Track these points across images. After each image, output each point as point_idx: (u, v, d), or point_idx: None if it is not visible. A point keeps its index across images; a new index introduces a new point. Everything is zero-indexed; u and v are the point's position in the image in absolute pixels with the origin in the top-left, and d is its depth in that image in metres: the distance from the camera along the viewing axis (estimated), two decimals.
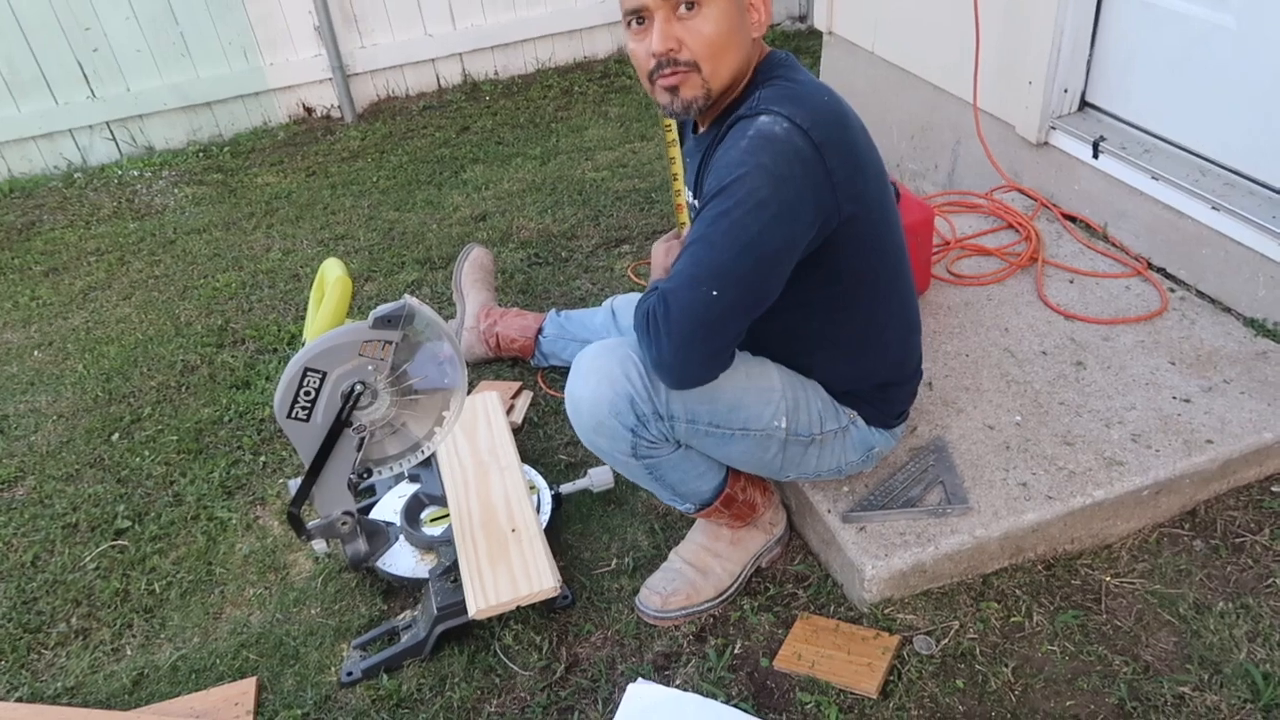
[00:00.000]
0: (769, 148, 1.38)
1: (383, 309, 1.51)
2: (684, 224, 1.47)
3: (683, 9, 1.41)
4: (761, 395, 1.60)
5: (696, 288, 1.38)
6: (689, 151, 1.70)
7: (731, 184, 1.37)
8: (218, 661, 1.81)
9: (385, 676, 1.72)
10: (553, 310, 2.50)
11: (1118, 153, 2.43)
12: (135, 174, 4.13)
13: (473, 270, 2.60)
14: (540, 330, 2.45)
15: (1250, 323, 2.15)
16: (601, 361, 1.54)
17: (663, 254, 1.71)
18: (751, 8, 1.47)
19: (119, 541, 2.12)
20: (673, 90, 1.46)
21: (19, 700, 1.77)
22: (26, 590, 2.02)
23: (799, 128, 1.38)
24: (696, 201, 1.62)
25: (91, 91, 4.12)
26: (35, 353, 2.91)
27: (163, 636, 1.89)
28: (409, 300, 1.53)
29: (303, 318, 2.86)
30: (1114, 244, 2.49)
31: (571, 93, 4.52)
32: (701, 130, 1.61)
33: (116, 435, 2.47)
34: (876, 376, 1.72)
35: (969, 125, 2.84)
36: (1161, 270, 2.36)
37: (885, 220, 1.57)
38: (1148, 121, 2.46)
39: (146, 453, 2.39)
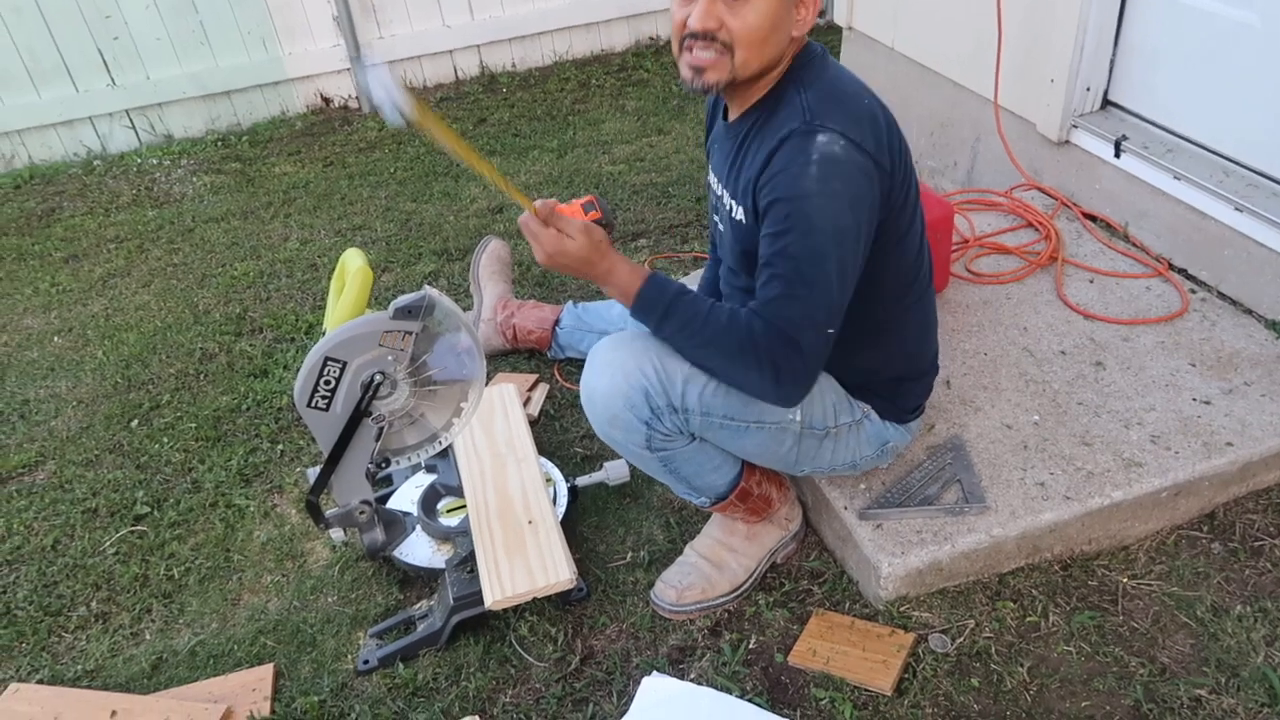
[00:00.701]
0: (838, 172, 1.41)
1: (403, 299, 1.51)
2: (531, 202, 1.49)
3: None
4: None
5: (822, 331, 1.46)
6: (718, 138, 1.69)
7: (813, 215, 1.41)
8: (235, 647, 1.83)
9: (401, 665, 1.73)
10: (570, 302, 2.50)
11: (1140, 152, 2.41)
12: (154, 162, 4.15)
13: (490, 262, 2.61)
14: (557, 322, 2.46)
15: (1272, 325, 2.13)
16: (616, 354, 1.54)
17: (554, 240, 1.50)
18: (801, 4, 1.46)
19: (138, 527, 2.14)
20: (698, 70, 1.47)
21: (40, 682, 1.79)
22: (47, 574, 2.04)
23: (855, 144, 1.41)
24: (725, 191, 1.62)
25: (111, 79, 4.14)
26: (55, 339, 2.93)
27: (181, 622, 1.91)
28: (429, 291, 1.53)
29: (320, 307, 2.87)
30: (1135, 244, 2.47)
31: (589, 86, 4.52)
32: (733, 118, 1.60)
33: (136, 422, 2.49)
34: (891, 370, 1.72)
35: (989, 122, 2.83)
36: (1183, 271, 2.35)
37: (912, 216, 1.59)
38: (1171, 121, 2.44)
39: (165, 439, 2.40)
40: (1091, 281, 2.33)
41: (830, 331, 1.46)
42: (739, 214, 1.56)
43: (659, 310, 1.50)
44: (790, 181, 1.41)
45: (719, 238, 1.77)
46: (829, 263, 1.42)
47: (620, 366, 1.53)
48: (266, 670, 1.75)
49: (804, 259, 1.41)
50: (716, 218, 1.73)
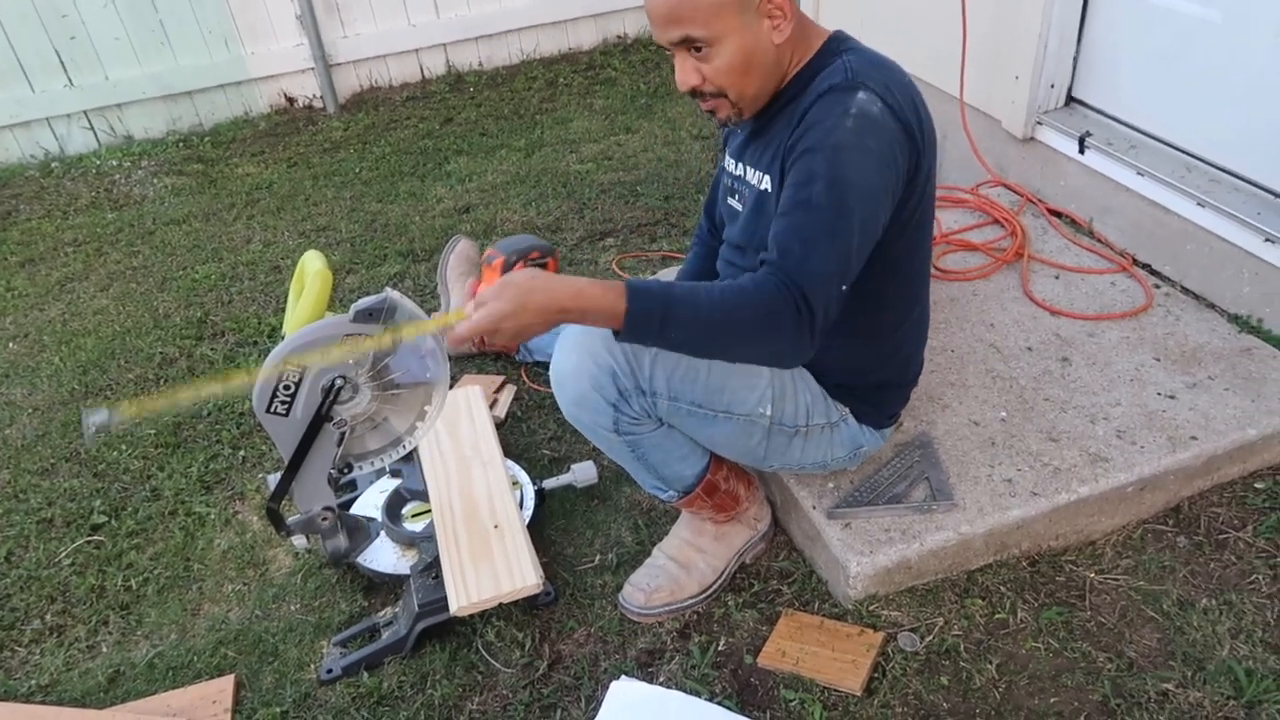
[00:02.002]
0: (873, 129, 1.38)
1: (364, 302, 1.48)
2: (437, 320, 1.40)
3: (693, 51, 1.43)
4: (747, 380, 1.58)
5: (836, 288, 1.38)
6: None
7: (844, 166, 1.37)
8: (195, 659, 1.79)
9: (366, 674, 1.70)
10: None
11: (1104, 148, 2.43)
12: (114, 164, 4.08)
13: (458, 263, 2.58)
14: None
15: (1235, 319, 2.15)
16: (586, 336, 1.52)
17: (487, 316, 1.37)
18: (769, 15, 1.44)
19: (95, 537, 2.09)
20: (710, 112, 1.53)
21: None
22: (0, 586, 1.99)
23: (893, 109, 1.40)
24: (749, 167, 1.61)
25: (69, 79, 4.06)
26: (10, 345, 2.86)
27: (139, 633, 1.86)
28: (390, 293, 1.50)
29: (283, 310, 2.83)
30: (1099, 240, 2.49)
31: (556, 84, 4.49)
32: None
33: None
34: (881, 374, 1.71)
35: (955, 119, 2.83)
36: (1146, 266, 2.36)
37: (930, 209, 1.58)
38: (1134, 117, 2.46)
39: (124, 447, 2.35)
40: (1057, 278, 2.34)
41: (844, 290, 1.40)
42: (765, 184, 1.55)
43: (656, 320, 1.34)
44: (824, 132, 1.38)
45: (731, 220, 1.73)
46: (853, 218, 1.37)
47: (588, 348, 1.51)
48: (227, 681, 1.71)
49: (829, 209, 1.36)
50: (733, 200, 1.69)
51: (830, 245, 1.37)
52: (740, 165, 1.65)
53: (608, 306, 1.33)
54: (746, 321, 1.36)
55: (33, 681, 1.77)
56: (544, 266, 1.39)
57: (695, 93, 1.48)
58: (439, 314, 1.37)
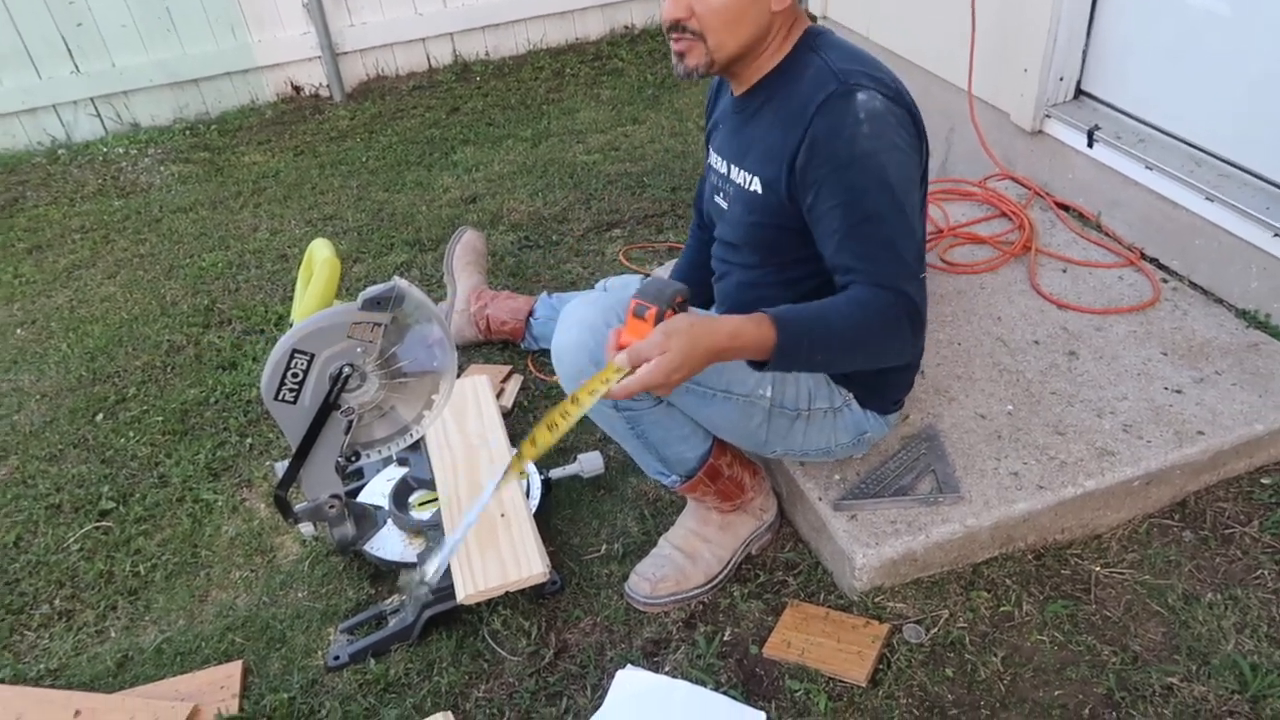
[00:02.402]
0: (888, 124, 1.43)
1: (372, 290, 1.49)
2: (607, 376, 1.33)
3: None
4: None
5: (919, 275, 1.48)
6: (723, 117, 1.69)
7: (882, 170, 1.42)
8: (203, 644, 1.80)
9: (372, 661, 1.71)
10: (544, 293, 2.48)
11: (1112, 142, 2.42)
12: (120, 151, 4.08)
13: (465, 253, 2.58)
14: (531, 313, 2.43)
15: (1242, 314, 2.15)
16: (585, 310, 1.53)
17: (658, 370, 1.33)
18: None
19: (103, 523, 2.10)
20: (680, 55, 1.52)
21: (2, 682, 1.75)
22: (9, 571, 2.00)
23: (892, 98, 1.45)
24: (734, 166, 1.62)
25: (76, 66, 4.06)
26: (18, 331, 2.87)
27: (147, 619, 1.87)
28: (398, 282, 1.51)
29: (290, 298, 2.83)
30: (1107, 233, 2.48)
31: (563, 74, 4.48)
32: (740, 93, 1.61)
33: (101, 415, 2.45)
34: None
35: (963, 112, 2.83)
36: (1154, 260, 2.36)
37: (925, 192, 1.60)
38: (1143, 111, 2.45)
39: (131, 433, 2.36)
40: (1064, 271, 2.34)
41: (924, 275, 1.50)
42: (754, 185, 1.56)
43: (804, 347, 1.39)
44: (846, 144, 1.42)
45: (719, 217, 1.74)
46: (906, 211, 1.45)
47: (588, 323, 1.51)
48: (235, 667, 1.72)
49: (889, 212, 1.43)
50: (719, 198, 1.71)
51: (907, 243, 1.46)
52: (725, 163, 1.66)
53: (760, 341, 1.37)
54: (875, 330, 1.44)
55: (42, 665, 1.79)
56: (683, 306, 1.39)
57: (676, 25, 1.48)
58: (591, 378, 1.35)
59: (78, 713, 1.64)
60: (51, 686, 1.74)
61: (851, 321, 1.42)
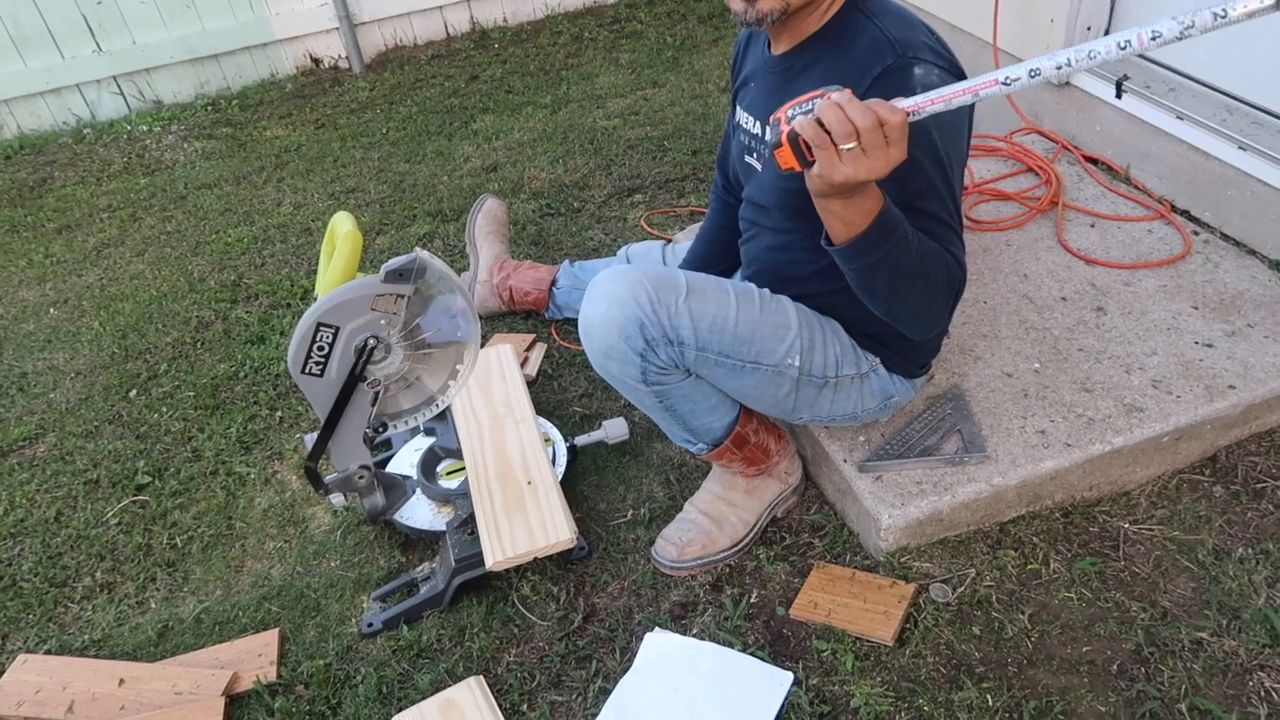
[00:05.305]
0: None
1: (394, 262, 1.50)
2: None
3: None
4: (775, 331, 1.58)
5: (963, 252, 1.51)
6: (755, 74, 1.64)
7: (939, 148, 1.42)
8: (240, 614, 1.84)
9: (405, 627, 1.74)
10: (566, 261, 2.48)
11: (1141, 92, 2.37)
12: (144, 129, 4.11)
13: (486, 222, 2.58)
14: (554, 282, 2.44)
15: (1276, 265, 2.11)
16: (613, 286, 1.52)
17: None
18: None
19: (140, 497, 2.15)
20: (750, 0, 1.43)
21: (48, 653, 1.80)
22: (51, 546, 2.05)
23: (948, 71, 1.45)
24: (759, 129, 1.59)
25: (97, 45, 4.08)
26: (51, 310, 2.92)
27: (185, 590, 1.92)
28: (420, 253, 1.51)
29: (314, 272, 2.85)
30: (1136, 186, 2.44)
31: (582, 39, 4.45)
32: (782, 51, 1.56)
33: (134, 391, 2.49)
34: None
35: (988, 65, 2.77)
36: (1185, 213, 2.32)
37: (966, 149, 1.59)
38: (1172, 59, 2.39)
39: (164, 409, 2.40)
40: (1092, 226, 2.30)
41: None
42: None
43: (895, 235, 1.33)
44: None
45: (748, 178, 1.71)
46: (954, 185, 1.47)
47: (616, 298, 1.51)
48: (272, 635, 1.76)
49: (938, 192, 1.44)
50: (749, 158, 1.67)
51: (956, 217, 1.48)
52: (756, 123, 1.63)
53: (876, 203, 1.29)
54: (936, 271, 1.43)
55: (85, 636, 1.83)
56: None
57: None
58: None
59: (122, 681, 1.69)
60: (96, 657, 1.79)
61: (927, 250, 1.40)
